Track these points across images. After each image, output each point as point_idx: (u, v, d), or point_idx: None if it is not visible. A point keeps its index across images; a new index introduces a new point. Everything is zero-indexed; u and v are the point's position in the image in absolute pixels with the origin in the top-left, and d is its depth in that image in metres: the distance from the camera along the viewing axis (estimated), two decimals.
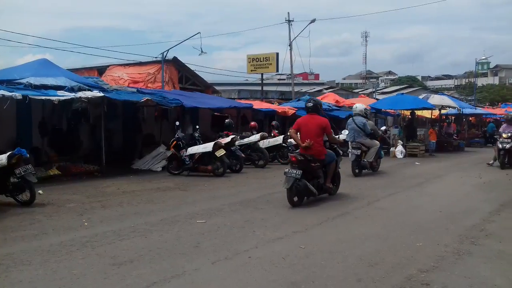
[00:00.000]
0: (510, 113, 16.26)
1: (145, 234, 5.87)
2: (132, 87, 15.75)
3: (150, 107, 15.00)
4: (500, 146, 13.76)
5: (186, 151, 11.88)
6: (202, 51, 21.16)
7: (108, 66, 21.83)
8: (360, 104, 12.91)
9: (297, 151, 8.48)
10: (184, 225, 6.33)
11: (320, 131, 8.11)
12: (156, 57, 19.89)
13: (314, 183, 7.97)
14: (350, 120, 12.21)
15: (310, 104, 8.44)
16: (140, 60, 21.35)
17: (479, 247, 5.34)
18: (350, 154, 11.93)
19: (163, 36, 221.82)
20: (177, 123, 12.41)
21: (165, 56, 19.32)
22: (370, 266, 4.60)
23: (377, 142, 12.32)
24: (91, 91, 11.70)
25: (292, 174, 7.55)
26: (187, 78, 21.45)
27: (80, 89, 11.62)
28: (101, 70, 22.03)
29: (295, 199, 7.70)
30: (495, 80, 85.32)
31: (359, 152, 11.66)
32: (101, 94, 11.64)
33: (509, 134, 13.73)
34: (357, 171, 11.58)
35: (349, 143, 12.07)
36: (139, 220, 6.68)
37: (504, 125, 14.65)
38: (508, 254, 5.04)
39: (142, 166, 13.31)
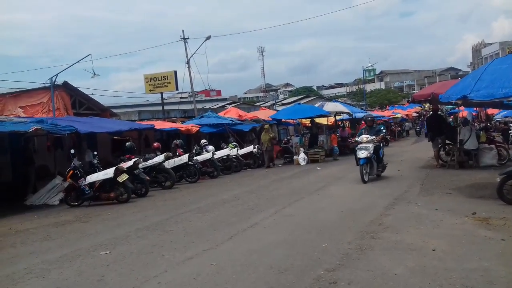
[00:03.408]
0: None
1: (42, 274, 5.38)
2: (19, 117, 14.52)
3: (41, 137, 13.95)
4: None
5: (85, 180, 11.20)
6: (94, 74, 20.14)
7: None
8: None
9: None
10: (87, 259, 5.91)
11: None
12: (44, 83, 18.53)
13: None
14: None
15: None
16: (26, 87, 19.74)
17: (379, 240, 5.69)
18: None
19: (52, 61, 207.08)
20: (72, 151, 11.66)
21: (55, 81, 18.09)
22: (280, 273, 4.66)
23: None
24: None
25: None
26: (81, 103, 20.26)
27: None
28: None
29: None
30: (382, 85, 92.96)
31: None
32: None
33: None
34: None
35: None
36: (35, 259, 6.12)
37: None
38: (404, 244, 5.43)
39: (37, 201, 12.24)
